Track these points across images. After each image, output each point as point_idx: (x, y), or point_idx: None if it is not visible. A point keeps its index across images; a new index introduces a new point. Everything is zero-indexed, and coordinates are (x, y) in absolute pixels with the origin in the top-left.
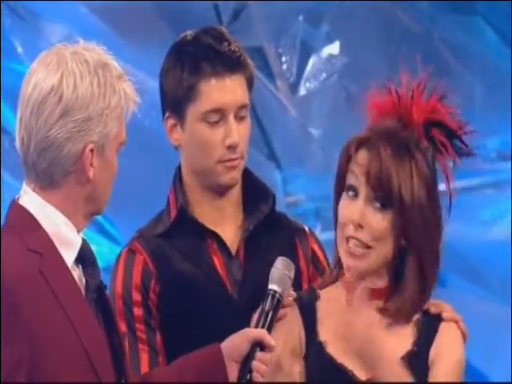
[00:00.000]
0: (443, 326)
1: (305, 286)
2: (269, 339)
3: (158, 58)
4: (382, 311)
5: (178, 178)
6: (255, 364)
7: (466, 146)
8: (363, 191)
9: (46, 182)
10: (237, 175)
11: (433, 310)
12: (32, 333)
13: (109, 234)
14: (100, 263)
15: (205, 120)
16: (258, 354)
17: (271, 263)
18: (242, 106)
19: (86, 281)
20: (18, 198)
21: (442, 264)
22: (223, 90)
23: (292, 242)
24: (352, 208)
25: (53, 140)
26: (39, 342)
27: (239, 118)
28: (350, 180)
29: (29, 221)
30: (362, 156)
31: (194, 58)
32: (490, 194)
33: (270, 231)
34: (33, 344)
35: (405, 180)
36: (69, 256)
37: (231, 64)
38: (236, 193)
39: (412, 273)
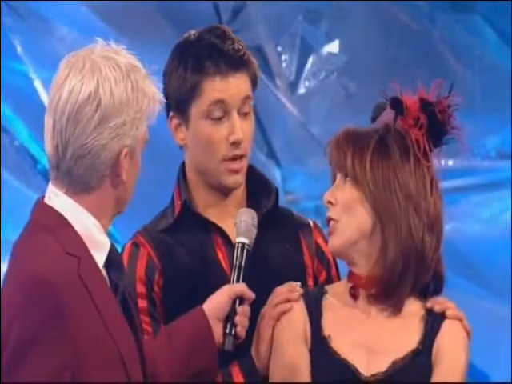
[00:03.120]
0: (446, 325)
1: (309, 280)
2: (249, 292)
3: (159, 58)
4: (373, 297)
5: (182, 175)
6: (238, 318)
7: (445, 125)
8: (337, 176)
9: (81, 187)
10: (240, 179)
11: (437, 308)
12: (74, 336)
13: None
14: None
15: (208, 116)
16: (239, 309)
17: (274, 258)
18: (245, 98)
19: (115, 283)
20: (45, 199)
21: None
22: (226, 87)
23: (296, 237)
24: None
25: (90, 148)
26: (80, 346)
27: (243, 114)
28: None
29: (62, 223)
30: (329, 149)
31: (197, 58)
32: (490, 192)
33: (274, 226)
34: (75, 347)
35: (360, 153)
36: (99, 259)
37: (234, 63)
38: (240, 189)
39: (376, 244)
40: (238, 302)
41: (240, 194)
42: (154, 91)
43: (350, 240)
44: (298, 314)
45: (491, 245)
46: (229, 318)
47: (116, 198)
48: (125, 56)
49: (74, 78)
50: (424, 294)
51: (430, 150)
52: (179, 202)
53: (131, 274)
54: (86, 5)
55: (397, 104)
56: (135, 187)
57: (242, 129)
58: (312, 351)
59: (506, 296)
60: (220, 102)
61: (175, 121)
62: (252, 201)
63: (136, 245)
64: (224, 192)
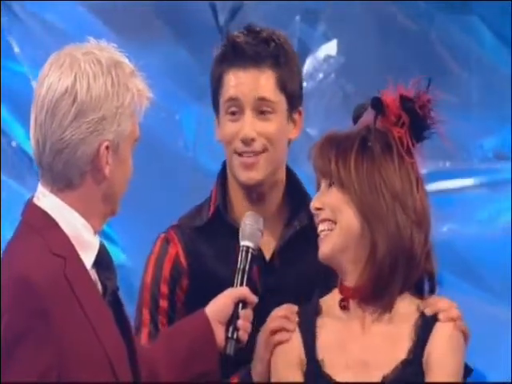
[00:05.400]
0: (437, 329)
1: None
2: (251, 296)
3: (155, 58)
4: (364, 301)
5: (222, 173)
6: (240, 322)
7: (426, 120)
8: (322, 183)
9: (63, 184)
10: (255, 176)
11: (428, 311)
12: (59, 337)
13: (105, 233)
14: None
15: (227, 111)
16: (242, 313)
17: (306, 273)
18: (262, 99)
19: (104, 284)
20: (34, 199)
21: (438, 263)
22: (242, 81)
23: None
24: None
25: (68, 142)
26: (65, 346)
27: (260, 113)
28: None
29: (49, 223)
30: (312, 156)
31: (222, 52)
32: (487, 193)
33: (307, 240)
34: (60, 348)
35: (343, 156)
36: (88, 259)
37: (257, 57)
38: (277, 199)
39: (365, 247)
40: (240, 305)
41: (277, 205)
42: (139, 87)
43: (340, 246)
44: (293, 342)
45: (489, 246)
46: (231, 321)
47: (102, 195)
48: (109, 52)
49: (54, 74)
50: (420, 293)
51: (413, 146)
52: (214, 205)
53: (158, 272)
54: (83, 5)
55: (377, 103)
56: (126, 186)
57: (256, 127)
58: (307, 374)
59: (504, 297)
60: (234, 100)
61: (216, 120)
62: (289, 213)
63: (167, 241)
64: (249, 192)
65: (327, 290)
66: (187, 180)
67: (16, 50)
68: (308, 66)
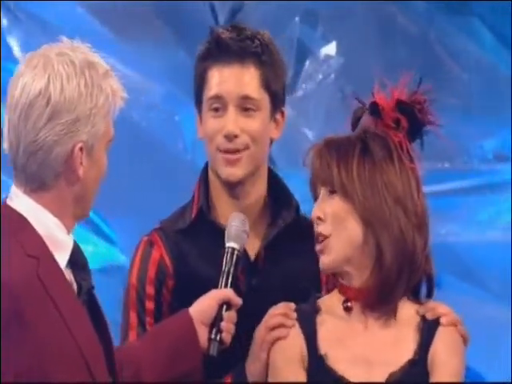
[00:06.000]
0: (440, 332)
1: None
2: (235, 298)
3: (155, 58)
4: (369, 306)
5: (205, 173)
6: (224, 324)
7: (423, 117)
8: (321, 190)
9: (37, 185)
10: (237, 172)
11: (429, 315)
12: (34, 337)
13: (105, 234)
14: (96, 264)
15: (210, 108)
16: (226, 314)
17: (291, 272)
18: (245, 98)
19: (79, 283)
20: (7, 200)
21: (438, 265)
22: (225, 78)
23: (314, 252)
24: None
25: (42, 144)
26: (39, 347)
27: (243, 110)
28: (315, 189)
29: (22, 224)
30: (310, 161)
31: (206, 48)
32: (487, 195)
33: (292, 239)
34: (35, 348)
35: (345, 164)
36: (62, 259)
37: (241, 53)
38: (260, 198)
39: (370, 253)
40: (224, 307)
41: (260, 204)
42: (113, 88)
43: (342, 255)
44: (293, 338)
45: (488, 247)
46: (215, 323)
47: (75, 196)
48: (82, 53)
49: (27, 75)
50: (417, 296)
51: (412, 149)
52: (197, 205)
53: (143, 274)
54: (82, 5)
55: (374, 108)
56: (98, 186)
57: (239, 123)
58: (309, 370)
59: (504, 298)
60: (218, 98)
61: (198, 117)
62: (272, 213)
63: (150, 243)
64: (232, 190)
65: (315, 289)
66: (186, 182)
67: (16, 50)
68: (307, 67)
